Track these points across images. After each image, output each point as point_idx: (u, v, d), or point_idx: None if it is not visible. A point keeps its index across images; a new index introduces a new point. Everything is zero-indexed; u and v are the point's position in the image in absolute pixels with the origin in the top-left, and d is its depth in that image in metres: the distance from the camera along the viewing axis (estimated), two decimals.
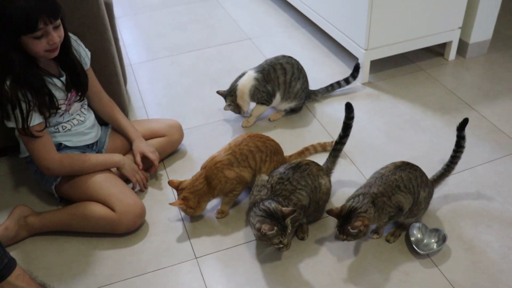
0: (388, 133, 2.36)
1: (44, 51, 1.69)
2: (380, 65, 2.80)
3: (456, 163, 1.91)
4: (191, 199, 1.87)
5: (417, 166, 1.81)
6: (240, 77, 2.41)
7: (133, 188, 2.05)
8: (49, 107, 1.79)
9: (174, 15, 3.59)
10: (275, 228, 1.61)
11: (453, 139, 1.88)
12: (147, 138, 2.17)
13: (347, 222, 1.66)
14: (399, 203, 1.71)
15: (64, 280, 1.77)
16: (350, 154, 2.23)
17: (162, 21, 3.52)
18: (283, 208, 1.65)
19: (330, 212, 1.69)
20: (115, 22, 2.43)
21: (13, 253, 1.85)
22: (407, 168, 1.78)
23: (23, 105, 1.71)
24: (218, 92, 2.46)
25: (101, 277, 1.78)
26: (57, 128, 1.93)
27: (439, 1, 2.58)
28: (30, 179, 2.17)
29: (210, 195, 1.91)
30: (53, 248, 1.89)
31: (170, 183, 1.94)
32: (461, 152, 1.90)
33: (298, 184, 1.76)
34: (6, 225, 1.87)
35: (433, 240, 1.80)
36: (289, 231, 1.67)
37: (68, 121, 1.96)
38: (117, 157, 2.01)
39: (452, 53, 2.85)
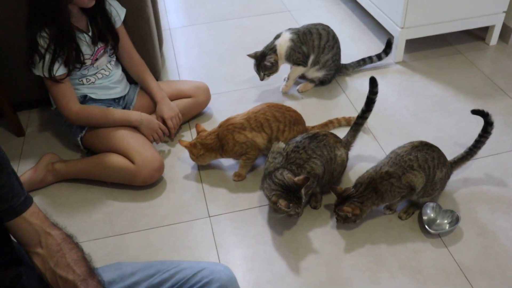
0: (415, 113, 2.33)
1: None
2: (416, 45, 2.75)
3: (479, 148, 1.88)
4: (198, 148, 1.96)
5: (436, 147, 1.79)
6: (275, 38, 2.40)
7: None
8: (74, 61, 1.88)
9: None
10: (291, 204, 1.64)
11: (482, 124, 1.85)
12: (174, 98, 2.22)
13: (342, 203, 1.71)
14: (410, 183, 1.71)
15: (83, 226, 1.86)
16: (374, 130, 2.22)
17: None
18: (296, 179, 1.67)
19: (334, 189, 1.75)
20: None
21: (40, 197, 1.97)
22: (424, 149, 1.75)
23: (50, 56, 1.81)
24: (249, 55, 2.41)
25: (118, 226, 1.86)
26: (81, 80, 2.01)
27: None
28: (60, 131, 2.27)
29: (217, 153, 1.97)
30: (77, 196, 1.99)
31: (197, 126, 2.05)
32: (486, 138, 1.87)
33: (313, 153, 1.77)
34: (35, 169, 2.00)
35: (446, 221, 1.79)
36: (303, 201, 1.69)
37: (93, 74, 2.02)
38: (133, 117, 2.03)
39: (494, 38, 2.76)
